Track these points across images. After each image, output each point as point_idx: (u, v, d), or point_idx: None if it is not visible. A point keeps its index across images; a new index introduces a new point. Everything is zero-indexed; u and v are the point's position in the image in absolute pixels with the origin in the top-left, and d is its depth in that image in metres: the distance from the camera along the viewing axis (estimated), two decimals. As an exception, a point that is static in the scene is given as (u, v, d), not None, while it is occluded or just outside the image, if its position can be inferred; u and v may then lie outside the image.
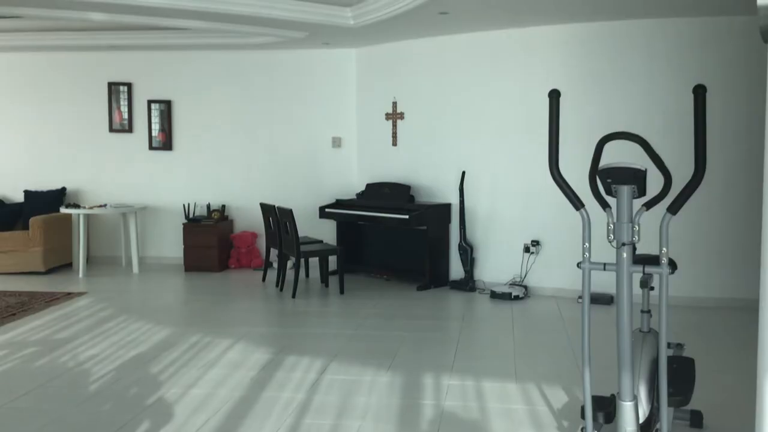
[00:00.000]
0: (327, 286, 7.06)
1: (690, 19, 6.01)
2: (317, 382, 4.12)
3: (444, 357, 4.64)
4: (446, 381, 4.14)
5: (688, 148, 5.71)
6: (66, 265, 8.22)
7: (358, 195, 7.66)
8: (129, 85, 8.39)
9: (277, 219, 6.82)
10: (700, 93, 2.50)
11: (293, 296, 6.54)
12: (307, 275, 7.57)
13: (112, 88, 8.40)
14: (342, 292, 6.70)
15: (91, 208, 7.77)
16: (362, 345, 4.93)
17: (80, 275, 7.63)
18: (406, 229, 7.32)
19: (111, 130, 8.45)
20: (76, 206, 7.83)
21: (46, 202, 8.15)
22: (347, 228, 7.80)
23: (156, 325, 5.51)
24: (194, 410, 3.67)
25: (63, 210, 7.81)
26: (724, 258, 6.09)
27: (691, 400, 3.09)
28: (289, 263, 7.30)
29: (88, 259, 8.35)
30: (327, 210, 7.54)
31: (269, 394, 3.93)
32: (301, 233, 7.09)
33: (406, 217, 6.75)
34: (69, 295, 6.59)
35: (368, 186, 7.57)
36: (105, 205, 7.93)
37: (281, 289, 6.84)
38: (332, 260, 7.34)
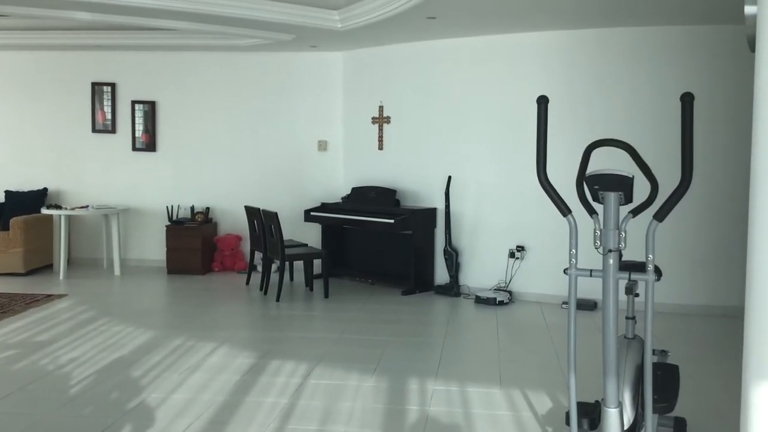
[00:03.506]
0: (311, 289, 7.03)
1: (677, 27, 6.05)
2: (301, 387, 4.09)
3: (429, 362, 4.63)
4: (431, 386, 4.13)
5: (674, 155, 5.75)
6: (47, 267, 8.12)
7: (344, 199, 7.64)
8: (113, 86, 8.32)
9: (262, 222, 6.78)
10: (687, 101, 2.50)
11: (277, 300, 6.50)
12: (291, 279, 7.53)
13: (96, 88, 8.33)
14: (327, 296, 6.67)
15: (72, 209, 7.69)
16: (347, 349, 4.91)
17: (61, 277, 7.55)
18: (391, 234, 7.31)
19: (94, 130, 8.38)
20: (58, 207, 7.74)
21: (27, 203, 8.05)
22: (332, 232, 7.77)
23: (138, 328, 5.46)
24: (176, 415, 3.63)
25: (44, 211, 7.72)
26: (708, 265, 6.13)
27: (675, 407, 3.09)
28: (274, 266, 7.25)
29: (69, 261, 8.26)
30: (312, 213, 7.51)
31: (253, 398, 3.89)
32: (286, 236, 7.04)
33: (392, 221, 6.74)
34: (49, 297, 6.51)
35: (354, 190, 7.55)
36: (87, 207, 7.85)
37: (265, 293, 6.80)
38: (317, 264, 7.31)
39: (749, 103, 5.65)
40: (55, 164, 8.41)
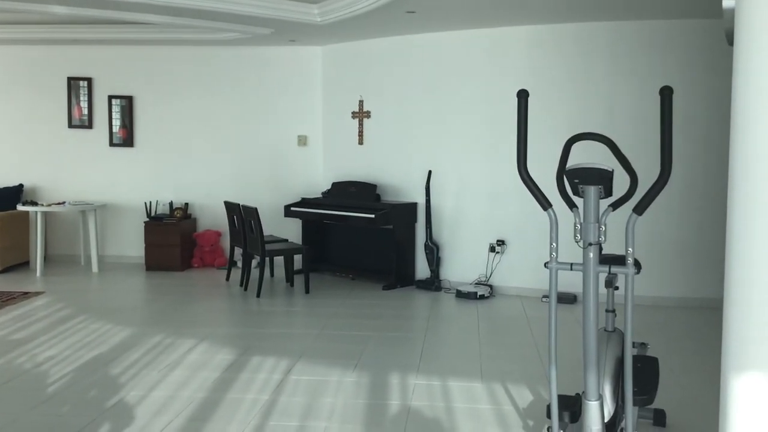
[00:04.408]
0: (292, 285, 7.00)
1: (656, 21, 6.09)
2: (282, 383, 4.07)
3: (410, 357, 4.63)
4: (412, 381, 4.13)
5: (653, 149, 5.80)
6: (23, 264, 8.01)
7: (324, 194, 7.61)
8: (89, 80, 8.21)
9: (242, 217, 6.74)
10: (666, 94, 2.52)
11: (258, 296, 6.47)
12: (272, 274, 7.50)
13: (72, 83, 8.21)
14: (307, 291, 6.65)
15: (49, 205, 7.58)
16: (328, 345, 4.89)
17: (38, 274, 7.45)
18: (372, 229, 7.30)
19: (70, 125, 8.27)
20: (34, 203, 7.63)
21: (3, 199, 7.92)
22: (313, 227, 7.74)
23: (116, 325, 5.40)
24: (156, 412, 3.60)
25: (20, 207, 7.61)
26: (686, 258, 6.19)
27: (655, 399, 3.12)
28: (254, 262, 7.22)
29: (46, 258, 8.15)
30: (292, 209, 7.48)
31: (233, 395, 3.87)
32: (266, 232, 7.01)
33: (372, 216, 6.73)
34: (26, 295, 6.42)
35: (334, 185, 7.53)
36: (64, 203, 7.75)
37: (245, 289, 6.76)
38: (297, 259, 7.28)
39: (727, 96, 5.70)
40: (31, 160, 8.29)
